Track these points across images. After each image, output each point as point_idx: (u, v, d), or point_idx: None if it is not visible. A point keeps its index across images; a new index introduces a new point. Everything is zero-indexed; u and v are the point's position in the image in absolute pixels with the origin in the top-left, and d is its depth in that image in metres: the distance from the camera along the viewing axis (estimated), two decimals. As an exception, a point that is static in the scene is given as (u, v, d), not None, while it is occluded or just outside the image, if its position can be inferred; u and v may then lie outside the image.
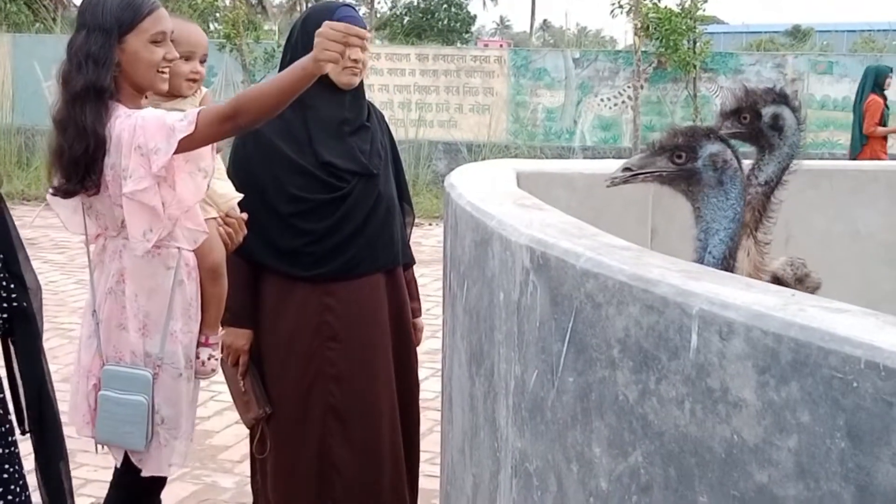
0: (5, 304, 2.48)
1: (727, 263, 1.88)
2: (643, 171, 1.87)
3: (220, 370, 2.90)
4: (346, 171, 2.99)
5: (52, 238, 8.24)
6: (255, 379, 3.02)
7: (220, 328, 2.91)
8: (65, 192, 2.57)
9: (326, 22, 2.37)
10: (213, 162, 2.63)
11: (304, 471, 3.06)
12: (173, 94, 2.82)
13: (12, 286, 2.48)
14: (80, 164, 2.50)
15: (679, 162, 1.86)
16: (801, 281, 2.24)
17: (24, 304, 2.51)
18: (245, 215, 2.88)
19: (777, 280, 2.20)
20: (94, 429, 2.72)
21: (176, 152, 2.44)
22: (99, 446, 2.81)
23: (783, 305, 1.07)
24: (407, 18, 38.88)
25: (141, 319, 2.66)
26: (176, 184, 2.52)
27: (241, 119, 2.45)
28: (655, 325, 1.18)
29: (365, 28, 3.00)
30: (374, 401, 3.09)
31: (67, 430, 2.76)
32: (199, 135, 2.44)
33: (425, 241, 10.14)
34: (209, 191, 2.71)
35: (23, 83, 13.76)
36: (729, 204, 1.88)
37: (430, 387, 5.49)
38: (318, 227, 2.97)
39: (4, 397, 2.50)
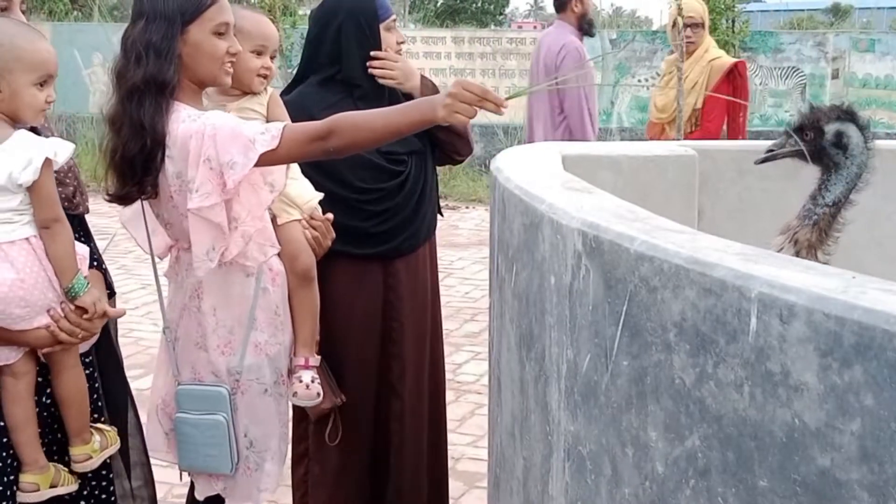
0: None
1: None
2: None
3: (322, 394, 2.69)
4: (404, 153, 3.03)
5: (95, 224, 8.34)
6: (325, 369, 2.95)
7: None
8: (121, 198, 2.40)
9: (461, 81, 2.20)
10: (285, 177, 2.45)
11: (365, 452, 3.11)
12: (242, 91, 2.69)
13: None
14: (135, 165, 2.32)
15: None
16: None
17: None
18: (331, 216, 2.75)
19: None
20: (175, 455, 2.58)
21: (255, 167, 2.28)
22: (183, 474, 2.67)
23: (845, 288, 1.06)
24: (440, 1, 38.77)
25: (223, 335, 2.50)
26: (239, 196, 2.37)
27: (333, 142, 2.26)
28: (713, 308, 1.17)
29: (391, 12, 3.02)
30: (421, 376, 3.18)
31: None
32: (283, 151, 2.27)
33: (462, 224, 10.14)
34: (285, 192, 2.60)
35: (63, 71, 13.71)
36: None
37: (470, 370, 5.52)
38: (384, 207, 3.01)
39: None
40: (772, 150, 2.25)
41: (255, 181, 2.36)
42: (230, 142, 2.26)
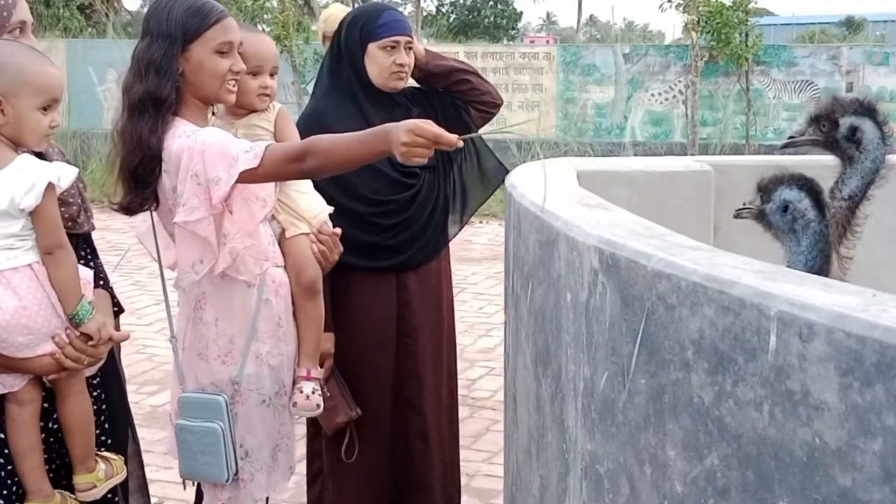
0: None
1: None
2: None
3: (323, 405, 2.69)
4: (418, 166, 3.02)
5: (109, 240, 8.36)
6: (340, 382, 2.96)
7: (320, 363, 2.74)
8: (125, 209, 2.45)
9: (417, 124, 2.17)
10: (275, 192, 2.50)
11: (384, 468, 3.11)
12: (246, 109, 2.72)
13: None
14: (137, 177, 2.39)
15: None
16: None
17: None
18: (339, 230, 2.75)
19: None
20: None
21: (236, 183, 2.32)
22: (187, 482, 2.68)
23: (865, 306, 1.05)
24: (453, 16, 38.86)
25: (223, 345, 2.53)
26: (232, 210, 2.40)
27: (308, 164, 2.31)
28: (731, 326, 1.16)
29: (409, 30, 3.02)
30: (440, 392, 3.19)
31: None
32: (263, 171, 2.32)
33: (476, 238, 10.12)
34: (294, 206, 2.64)
35: (77, 87, 13.97)
36: (800, 250, 1.91)
37: (484, 385, 5.51)
38: (396, 220, 3.03)
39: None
40: (793, 138, 2.30)
41: (248, 196, 2.41)
42: (217, 158, 2.32)
